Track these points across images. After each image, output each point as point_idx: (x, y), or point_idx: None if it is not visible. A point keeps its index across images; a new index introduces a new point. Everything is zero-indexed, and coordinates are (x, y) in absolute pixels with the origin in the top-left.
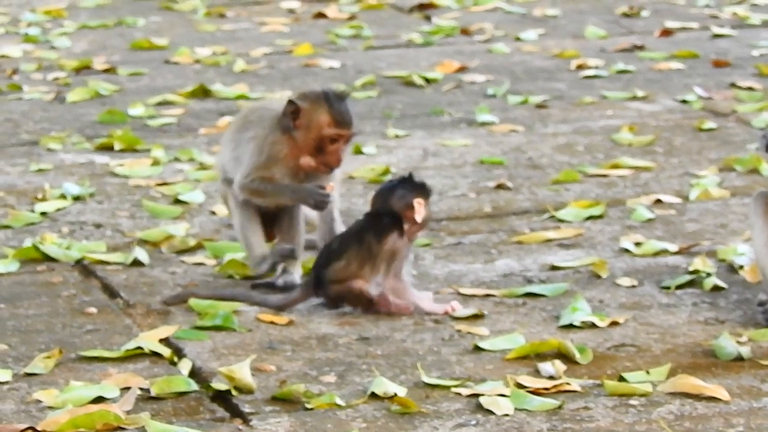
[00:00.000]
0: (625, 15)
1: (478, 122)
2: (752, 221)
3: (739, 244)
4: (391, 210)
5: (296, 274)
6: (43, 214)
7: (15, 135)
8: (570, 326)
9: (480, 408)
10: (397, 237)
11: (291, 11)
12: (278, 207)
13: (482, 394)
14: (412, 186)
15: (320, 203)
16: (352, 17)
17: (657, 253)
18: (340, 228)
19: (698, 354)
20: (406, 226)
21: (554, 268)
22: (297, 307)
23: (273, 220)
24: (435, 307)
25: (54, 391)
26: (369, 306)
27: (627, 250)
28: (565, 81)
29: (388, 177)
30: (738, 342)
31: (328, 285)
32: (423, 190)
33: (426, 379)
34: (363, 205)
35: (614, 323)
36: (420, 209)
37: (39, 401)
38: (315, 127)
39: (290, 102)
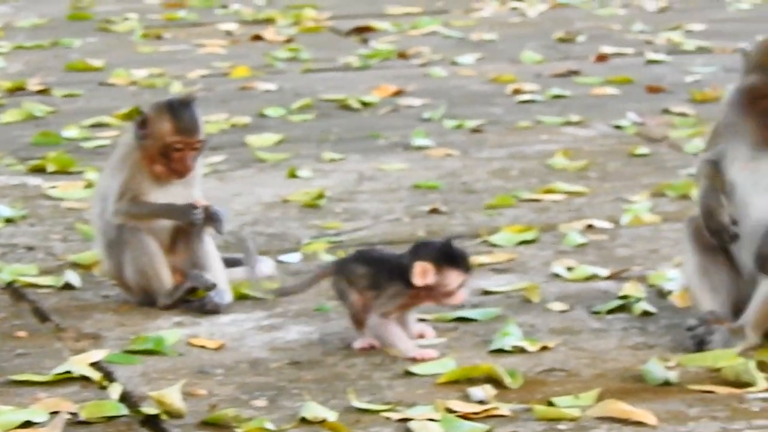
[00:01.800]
0: (562, 40)
1: (413, 146)
2: (684, 245)
3: (669, 270)
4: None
5: (227, 294)
6: None
7: None
8: (501, 351)
9: None
10: (402, 288)
11: (228, 33)
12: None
13: (412, 419)
14: (432, 251)
15: (192, 221)
16: (289, 40)
17: (588, 278)
18: (210, 243)
19: (627, 379)
20: (417, 285)
21: (486, 292)
22: (229, 331)
23: (173, 242)
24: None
25: None
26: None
27: (559, 275)
28: (501, 105)
29: (323, 201)
30: (666, 367)
31: (342, 277)
32: (438, 259)
33: (356, 404)
34: (297, 229)
35: (545, 348)
36: (417, 273)
37: None
38: (159, 136)
39: (139, 112)
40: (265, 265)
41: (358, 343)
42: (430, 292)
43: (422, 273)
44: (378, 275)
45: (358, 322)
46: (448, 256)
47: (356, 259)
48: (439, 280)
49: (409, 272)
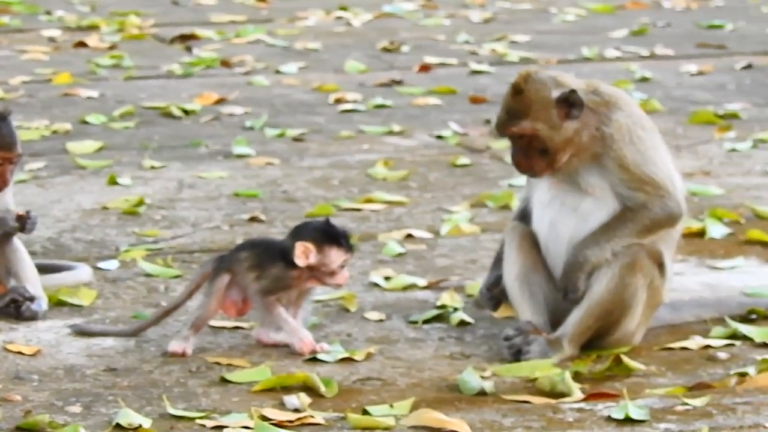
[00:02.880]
0: (386, 50)
1: (235, 155)
2: (505, 253)
3: None
4: (289, 244)
5: (43, 301)
6: None
7: None
8: (317, 360)
9: None
10: (284, 268)
11: (52, 40)
12: None
13: (227, 426)
14: (313, 231)
15: (8, 230)
16: (113, 47)
17: (406, 288)
18: (23, 250)
19: (443, 388)
20: (299, 265)
21: None
22: (45, 337)
23: None
24: (295, 341)
25: None
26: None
27: (377, 285)
28: (324, 115)
29: (143, 208)
30: (482, 377)
31: (222, 268)
32: (319, 238)
33: (172, 411)
34: (116, 236)
35: (361, 357)
36: (299, 253)
37: None
38: None
39: None
40: (83, 272)
41: (173, 346)
42: (313, 273)
43: (304, 253)
44: (260, 257)
45: (197, 326)
46: (329, 235)
47: (238, 248)
48: (321, 260)
49: (290, 253)
